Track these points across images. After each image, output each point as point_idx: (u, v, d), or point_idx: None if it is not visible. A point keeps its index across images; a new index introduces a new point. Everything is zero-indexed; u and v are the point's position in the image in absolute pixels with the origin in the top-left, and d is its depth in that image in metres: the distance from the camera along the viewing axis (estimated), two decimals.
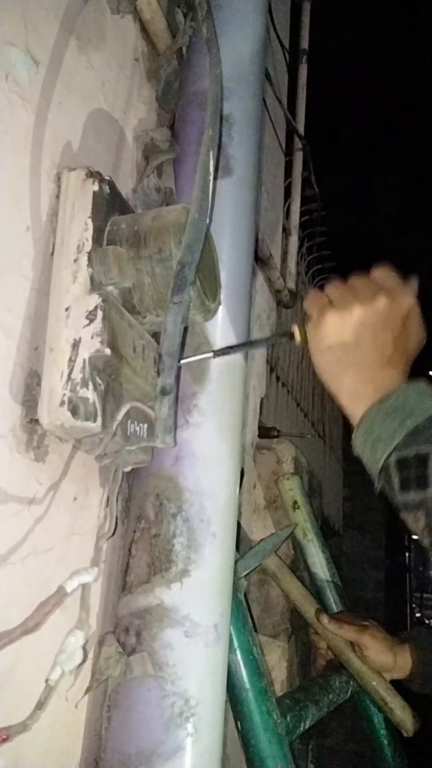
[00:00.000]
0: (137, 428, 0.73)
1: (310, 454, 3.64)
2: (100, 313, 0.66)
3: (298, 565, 1.57)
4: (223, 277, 0.91)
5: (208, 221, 0.63)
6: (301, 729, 0.98)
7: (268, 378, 2.64)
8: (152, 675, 0.75)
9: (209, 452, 0.84)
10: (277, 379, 2.84)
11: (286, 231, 2.24)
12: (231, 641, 0.91)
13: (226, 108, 1.00)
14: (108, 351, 0.65)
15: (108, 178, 0.78)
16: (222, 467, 0.85)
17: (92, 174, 0.76)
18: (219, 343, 0.89)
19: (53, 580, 0.72)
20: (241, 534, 1.23)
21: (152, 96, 1.07)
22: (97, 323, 0.66)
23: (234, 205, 0.97)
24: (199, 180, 0.66)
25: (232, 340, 0.91)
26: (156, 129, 1.02)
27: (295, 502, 1.44)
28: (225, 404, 0.87)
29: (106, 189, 0.77)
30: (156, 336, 0.84)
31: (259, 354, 1.82)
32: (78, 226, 0.73)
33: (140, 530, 0.83)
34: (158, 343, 0.83)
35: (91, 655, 0.81)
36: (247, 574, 1.13)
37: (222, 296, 0.90)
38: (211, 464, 0.84)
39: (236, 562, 1.17)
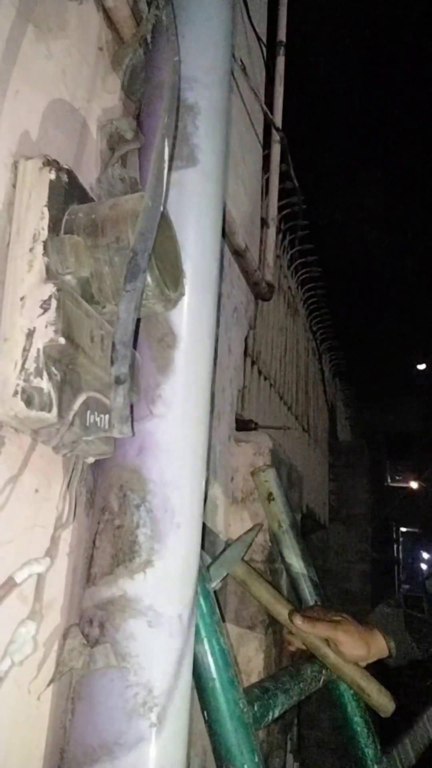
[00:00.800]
0: (97, 419, 0.73)
1: (292, 447, 3.66)
2: (54, 303, 0.66)
3: (274, 557, 1.58)
4: (188, 267, 0.91)
5: (161, 209, 0.63)
6: (269, 718, 0.98)
7: (250, 371, 2.65)
8: (115, 666, 0.75)
9: (173, 443, 0.84)
10: (259, 372, 2.84)
11: (264, 223, 2.24)
12: (198, 631, 0.91)
13: (192, 97, 1.00)
14: (62, 340, 0.65)
15: (66, 167, 0.78)
16: (187, 458, 0.85)
17: (49, 162, 0.75)
18: (184, 333, 0.89)
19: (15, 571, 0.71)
20: (206, 530, 1.22)
21: (117, 85, 1.06)
22: (51, 313, 0.65)
23: (199, 194, 0.96)
24: (153, 168, 0.65)
25: (199, 330, 0.91)
26: (121, 118, 1.01)
27: (270, 494, 1.44)
28: (190, 396, 0.87)
29: (64, 178, 0.76)
30: None
31: (237, 345, 1.82)
32: (34, 215, 0.72)
33: (104, 522, 0.83)
34: None
35: (56, 647, 0.81)
36: (216, 584, 1.13)
37: (187, 286, 0.90)
38: (175, 455, 0.84)
39: (216, 558, 1.17)
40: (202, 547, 0.92)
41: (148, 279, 0.73)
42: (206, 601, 0.94)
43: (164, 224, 0.81)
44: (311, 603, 1.37)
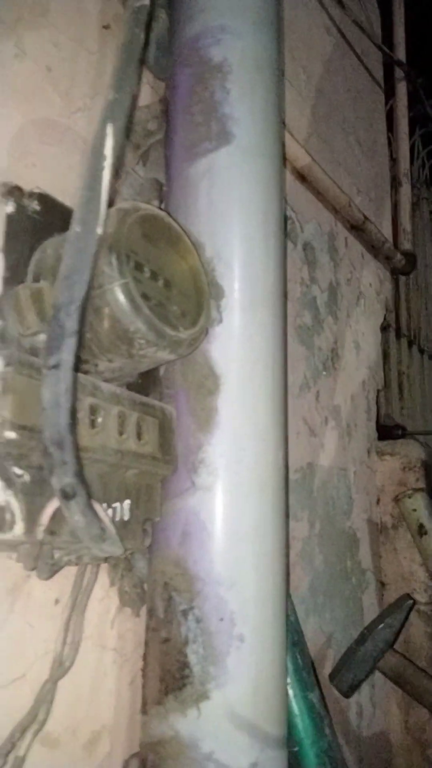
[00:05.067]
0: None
1: None
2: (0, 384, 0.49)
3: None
4: (231, 282, 0.69)
5: (98, 233, 0.42)
6: None
7: (407, 353, 2.27)
8: None
9: (225, 524, 0.63)
10: (421, 351, 2.44)
11: (396, 181, 1.87)
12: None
13: (218, 54, 0.76)
14: (11, 435, 0.48)
15: (37, 191, 0.60)
16: (246, 543, 0.63)
17: (9, 192, 0.58)
18: (230, 371, 0.67)
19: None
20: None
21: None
22: None
23: (239, 180, 0.73)
24: (86, 172, 0.44)
25: (251, 363, 0.68)
26: (141, 107, 0.81)
27: (422, 526, 1.14)
28: (243, 454, 0.65)
29: (32, 206, 0.59)
30: (134, 384, 0.65)
31: (369, 338, 1.51)
32: None
33: (151, 630, 0.65)
34: (139, 389, 0.64)
35: None
36: (352, 690, 0.87)
37: (226, 310, 0.67)
38: (228, 540, 0.63)
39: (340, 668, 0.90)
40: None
41: (137, 323, 0.52)
42: (313, 734, 0.71)
43: (169, 236, 0.60)
44: None
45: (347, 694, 0.91)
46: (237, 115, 0.74)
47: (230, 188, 0.72)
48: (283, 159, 0.86)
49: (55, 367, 0.40)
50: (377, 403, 1.47)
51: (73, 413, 0.41)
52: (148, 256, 0.58)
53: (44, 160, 0.70)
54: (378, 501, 1.38)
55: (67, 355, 0.40)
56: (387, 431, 1.46)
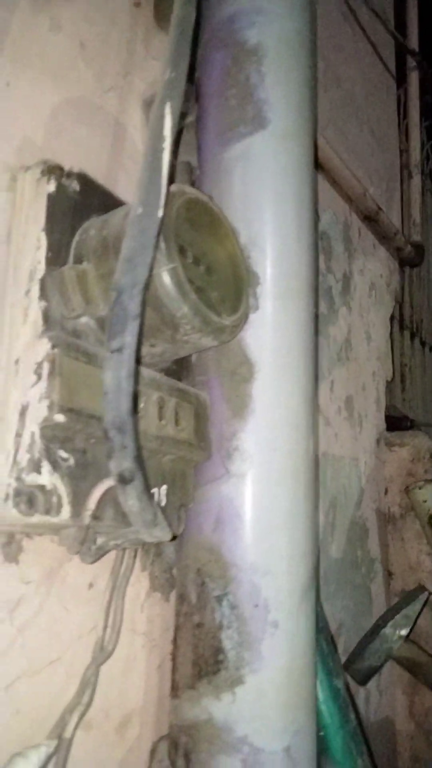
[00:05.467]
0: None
1: None
2: (47, 366, 0.48)
3: None
4: (265, 269, 0.68)
5: (159, 215, 0.41)
6: None
7: (410, 346, 2.27)
8: None
9: (260, 511, 0.63)
10: (423, 344, 2.45)
11: (406, 172, 1.87)
12: (329, 759, 0.70)
13: (253, 36, 0.75)
14: (60, 417, 0.47)
15: (77, 170, 0.59)
16: (280, 530, 0.63)
17: (49, 170, 0.57)
18: (264, 359, 0.66)
19: (63, 701, 0.57)
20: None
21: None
22: (43, 381, 0.48)
23: (274, 166, 0.72)
24: (147, 153, 0.44)
25: (286, 351, 0.68)
26: None
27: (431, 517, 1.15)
28: (278, 441, 0.65)
29: (73, 186, 0.58)
30: (168, 370, 0.64)
31: (379, 329, 1.51)
32: (30, 245, 0.55)
33: (183, 615, 0.65)
34: (174, 375, 0.63)
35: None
36: (367, 679, 0.88)
37: (261, 297, 0.67)
38: (263, 527, 0.63)
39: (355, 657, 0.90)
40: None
41: (184, 308, 0.52)
42: (339, 720, 0.72)
43: (211, 222, 0.60)
44: None
45: (363, 683, 0.92)
46: (272, 99, 0.73)
47: (265, 174, 0.71)
48: (315, 146, 0.85)
49: (118, 350, 0.39)
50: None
51: (135, 398, 0.40)
52: (191, 241, 0.57)
53: (78, 139, 0.69)
54: (386, 491, 1.39)
55: (130, 338, 0.40)
56: (394, 422, 1.46)
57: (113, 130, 0.74)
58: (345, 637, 1.10)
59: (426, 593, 1.07)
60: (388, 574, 1.33)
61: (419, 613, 1.01)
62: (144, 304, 0.41)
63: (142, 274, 0.40)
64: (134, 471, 0.41)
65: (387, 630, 0.94)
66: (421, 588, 1.09)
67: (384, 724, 1.21)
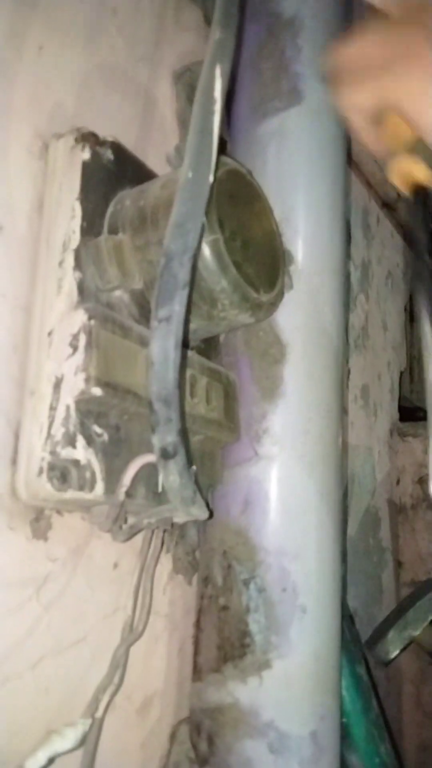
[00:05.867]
0: None
1: None
2: (83, 338, 0.47)
3: None
4: (298, 248, 0.66)
5: (210, 180, 0.40)
6: None
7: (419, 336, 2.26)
8: None
9: (290, 494, 0.62)
10: None
11: None
12: (350, 747, 0.69)
13: (289, 8, 0.73)
14: (97, 391, 0.46)
15: (111, 139, 0.57)
16: (310, 514, 0.62)
17: (83, 138, 0.55)
18: (296, 340, 0.65)
19: (89, 681, 0.56)
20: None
21: (199, 18, 0.83)
22: (80, 353, 0.46)
23: (309, 143, 0.70)
24: (196, 116, 0.42)
25: (317, 333, 0.66)
26: (201, 62, 0.78)
27: None
28: (309, 425, 0.63)
29: (107, 155, 0.56)
30: (197, 349, 0.63)
31: (395, 318, 1.50)
32: (64, 215, 0.53)
33: (207, 597, 0.64)
34: (202, 355, 0.62)
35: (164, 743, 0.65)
36: (389, 661, 0.87)
37: (295, 276, 0.65)
38: (292, 511, 0.61)
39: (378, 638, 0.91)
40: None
41: (223, 282, 0.50)
42: (361, 706, 0.71)
43: (248, 195, 0.58)
44: None
45: (386, 663, 0.91)
46: (308, 73, 0.71)
47: (299, 150, 0.70)
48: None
49: (167, 320, 0.38)
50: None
51: (183, 369, 0.39)
52: (229, 214, 0.55)
53: (109, 108, 0.67)
54: (398, 482, 1.38)
55: (179, 307, 0.38)
56: (409, 412, 1.45)
57: (143, 101, 0.72)
58: (357, 625, 1.09)
59: None
60: (398, 564, 1.33)
61: None
62: (194, 272, 0.39)
63: (193, 241, 0.39)
64: (177, 445, 0.40)
65: (411, 613, 0.93)
66: None
67: (391, 711, 1.21)
